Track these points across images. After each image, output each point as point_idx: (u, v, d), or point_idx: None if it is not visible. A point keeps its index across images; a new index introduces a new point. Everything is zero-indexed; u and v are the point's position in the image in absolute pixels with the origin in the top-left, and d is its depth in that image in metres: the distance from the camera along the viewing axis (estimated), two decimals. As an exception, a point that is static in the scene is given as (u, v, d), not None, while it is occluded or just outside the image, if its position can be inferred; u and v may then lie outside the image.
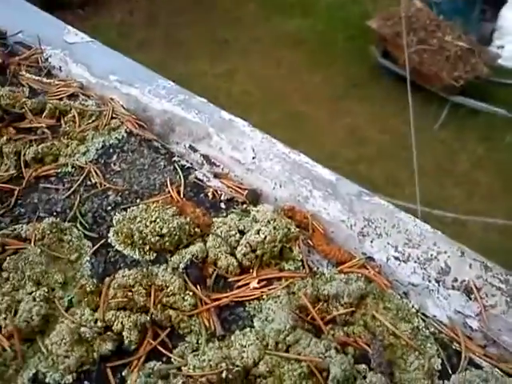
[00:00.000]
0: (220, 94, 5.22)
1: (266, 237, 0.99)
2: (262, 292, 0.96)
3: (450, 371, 0.88)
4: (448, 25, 5.52)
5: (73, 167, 1.21)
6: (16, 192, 1.15)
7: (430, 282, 1.01)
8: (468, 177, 4.56)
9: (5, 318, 0.88)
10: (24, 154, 1.21)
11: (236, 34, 6.29)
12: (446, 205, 4.06)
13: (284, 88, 5.56)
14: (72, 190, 1.15)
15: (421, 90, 5.03)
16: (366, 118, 5.20)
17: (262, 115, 4.93)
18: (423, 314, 0.96)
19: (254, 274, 0.99)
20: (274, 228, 1.01)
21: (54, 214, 1.11)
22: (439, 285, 1.00)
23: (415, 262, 1.03)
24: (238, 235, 1.03)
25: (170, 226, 1.01)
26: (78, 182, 1.17)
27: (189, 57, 5.85)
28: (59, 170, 1.21)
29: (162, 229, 1.01)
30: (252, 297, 0.96)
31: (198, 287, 0.95)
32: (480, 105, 5.16)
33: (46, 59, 1.53)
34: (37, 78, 1.45)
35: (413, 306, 0.96)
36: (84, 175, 1.19)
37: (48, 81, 1.45)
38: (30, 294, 0.92)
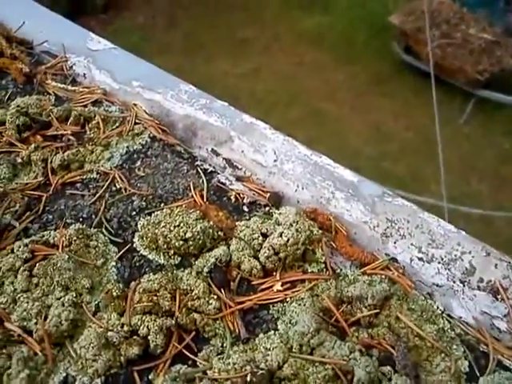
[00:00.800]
0: (242, 93, 5.24)
1: (288, 239, 1.00)
2: (286, 295, 0.97)
3: (478, 373, 0.87)
4: (472, 17, 5.44)
5: (98, 173, 1.23)
6: (44, 199, 1.17)
7: (454, 282, 1.00)
8: (494, 172, 4.49)
9: (36, 323, 0.91)
10: (51, 162, 1.24)
11: (257, 32, 6.30)
12: (472, 201, 4.00)
13: (307, 86, 5.55)
14: (97, 195, 1.17)
15: (444, 85, 4.97)
16: (389, 114, 5.16)
17: (285, 113, 4.94)
18: (448, 315, 0.95)
19: (278, 277, 1.00)
20: (297, 230, 1.02)
21: (81, 219, 1.13)
22: (464, 285, 0.99)
23: (439, 262, 1.03)
24: (260, 238, 1.04)
25: (194, 230, 1.02)
26: (103, 187, 1.19)
27: (210, 58, 5.88)
28: (85, 177, 1.23)
29: (186, 233, 1.02)
30: (276, 300, 0.97)
31: (222, 291, 0.96)
32: (506, 98, 5.07)
33: (71, 67, 1.56)
34: (62, 85, 1.48)
35: (438, 307, 0.96)
36: (109, 181, 1.21)
37: (73, 88, 1.48)
38: (59, 299, 0.94)
